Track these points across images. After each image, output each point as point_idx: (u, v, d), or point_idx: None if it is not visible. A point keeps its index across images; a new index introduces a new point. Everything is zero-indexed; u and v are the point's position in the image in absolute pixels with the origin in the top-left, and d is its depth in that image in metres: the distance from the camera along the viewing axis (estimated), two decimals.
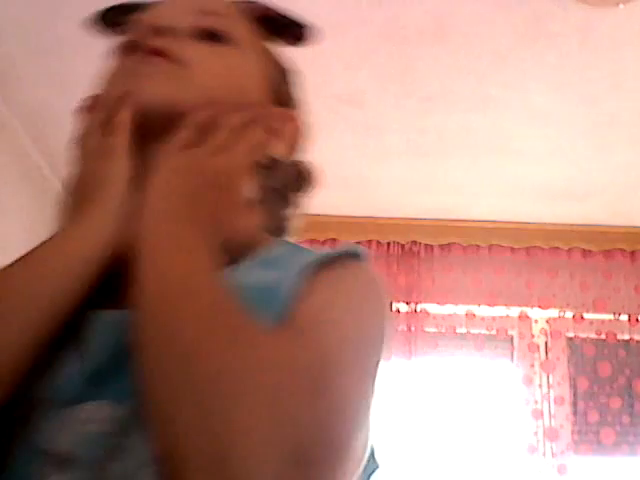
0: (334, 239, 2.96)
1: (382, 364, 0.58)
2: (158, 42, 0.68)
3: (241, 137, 0.65)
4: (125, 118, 0.66)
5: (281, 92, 0.79)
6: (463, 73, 2.12)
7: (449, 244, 2.97)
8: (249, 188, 0.68)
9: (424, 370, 2.82)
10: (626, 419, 2.78)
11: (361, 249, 0.66)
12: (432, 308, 2.91)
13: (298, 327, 0.53)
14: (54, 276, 0.58)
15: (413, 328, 2.87)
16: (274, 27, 0.80)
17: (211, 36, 0.71)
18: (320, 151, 3.03)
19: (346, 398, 0.50)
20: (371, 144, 2.50)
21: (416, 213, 2.95)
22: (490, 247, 2.97)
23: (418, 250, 2.98)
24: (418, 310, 2.90)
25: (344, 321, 0.56)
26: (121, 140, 0.66)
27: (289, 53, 0.82)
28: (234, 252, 0.64)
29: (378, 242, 2.99)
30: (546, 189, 2.73)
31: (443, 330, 2.89)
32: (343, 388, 0.50)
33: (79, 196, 0.66)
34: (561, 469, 2.69)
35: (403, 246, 2.99)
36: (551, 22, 1.91)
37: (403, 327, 2.88)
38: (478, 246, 2.97)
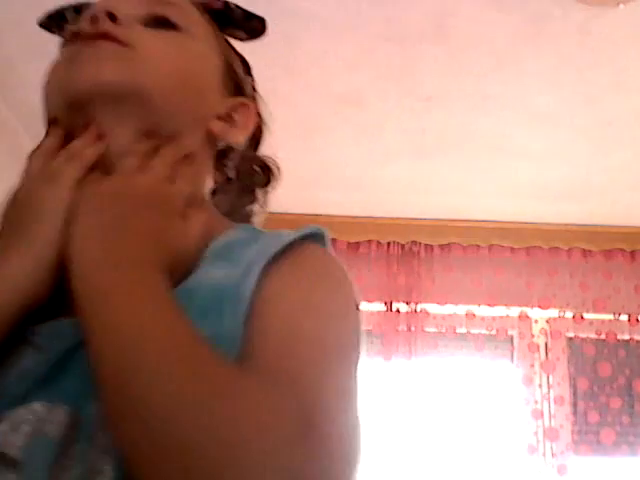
0: (334, 239, 2.95)
1: (361, 365, 0.58)
2: (103, 27, 0.65)
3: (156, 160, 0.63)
4: (92, 155, 0.63)
5: (238, 81, 0.77)
6: (463, 73, 2.12)
7: (449, 244, 2.97)
8: (196, 187, 0.67)
9: (424, 370, 2.82)
10: (626, 419, 2.78)
11: (321, 230, 0.65)
12: (432, 308, 2.91)
13: (276, 367, 0.51)
14: None
15: (413, 328, 2.87)
16: (228, 20, 0.78)
17: (164, 24, 0.69)
18: (320, 151, 3.04)
19: (342, 430, 0.50)
20: (371, 144, 2.50)
21: (416, 213, 2.95)
22: (490, 247, 2.97)
23: (418, 250, 2.98)
24: (418, 310, 2.90)
25: (320, 338, 0.55)
26: (76, 173, 0.62)
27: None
28: (190, 258, 0.61)
29: (378, 242, 2.98)
30: (546, 189, 2.73)
31: (443, 330, 2.89)
32: (334, 424, 0.50)
33: (14, 220, 0.61)
34: (561, 469, 2.69)
35: (403, 246, 2.98)
36: (551, 22, 1.90)
37: (403, 327, 2.88)
38: (478, 246, 2.97)
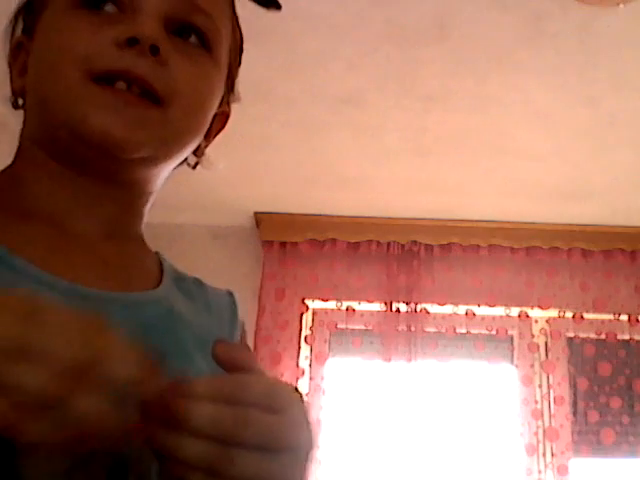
0: (334, 239, 2.96)
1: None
2: (142, 70, 0.60)
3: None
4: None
5: (232, 86, 0.74)
6: (463, 73, 2.12)
7: (449, 244, 2.97)
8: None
9: (424, 370, 2.81)
10: (626, 419, 2.78)
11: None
12: (432, 308, 2.91)
13: None
14: None
15: (413, 328, 2.87)
16: None
17: (197, 37, 0.65)
18: (320, 151, 3.03)
19: None
20: (371, 144, 2.50)
21: (416, 213, 2.95)
22: (490, 247, 2.97)
23: (418, 250, 2.97)
24: (418, 310, 2.90)
25: None
26: None
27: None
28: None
29: (378, 242, 2.98)
30: (546, 189, 2.73)
31: (443, 330, 2.89)
32: None
33: None
34: (561, 469, 2.69)
35: (403, 246, 2.98)
36: (551, 22, 1.90)
37: (403, 327, 2.88)
38: (478, 246, 2.97)
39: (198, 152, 0.72)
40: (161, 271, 0.69)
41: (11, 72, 0.70)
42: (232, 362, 0.49)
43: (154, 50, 0.60)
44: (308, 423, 0.50)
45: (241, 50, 0.76)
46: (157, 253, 0.73)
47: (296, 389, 0.53)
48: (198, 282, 0.75)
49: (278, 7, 0.75)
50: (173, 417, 0.45)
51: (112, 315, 0.54)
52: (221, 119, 0.73)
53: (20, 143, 0.69)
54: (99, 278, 0.61)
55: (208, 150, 0.74)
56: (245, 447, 0.45)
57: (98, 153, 0.61)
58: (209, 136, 0.72)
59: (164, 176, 0.68)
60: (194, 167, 0.74)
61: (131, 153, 0.61)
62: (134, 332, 0.50)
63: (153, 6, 0.63)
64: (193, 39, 0.65)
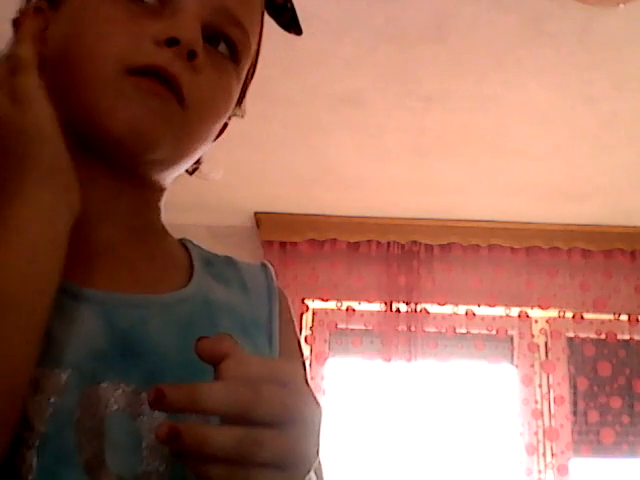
0: (334, 239, 2.96)
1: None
2: (177, 71, 0.60)
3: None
4: (27, 53, 0.55)
5: (239, 99, 0.73)
6: (463, 73, 2.12)
7: (449, 244, 2.97)
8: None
9: (424, 370, 2.82)
10: (626, 419, 2.78)
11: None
12: (432, 308, 2.91)
13: None
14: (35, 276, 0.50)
15: (413, 328, 2.87)
16: (271, 9, 0.73)
17: (229, 48, 0.65)
18: (320, 151, 3.03)
19: None
20: (371, 144, 2.50)
21: (416, 213, 2.95)
22: (490, 247, 2.97)
23: (418, 250, 2.98)
24: (418, 310, 2.90)
25: None
26: (31, 79, 0.54)
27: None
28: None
29: (378, 242, 2.99)
30: (546, 189, 2.73)
31: (443, 330, 2.89)
32: None
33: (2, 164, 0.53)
34: (561, 469, 2.69)
35: (403, 246, 2.98)
36: (551, 22, 1.90)
37: (403, 327, 2.88)
38: (478, 246, 2.97)
39: (198, 159, 0.73)
40: (191, 260, 0.69)
41: None
42: (218, 355, 0.49)
43: (192, 55, 0.60)
44: (313, 394, 0.52)
45: (255, 66, 0.75)
46: (182, 240, 0.73)
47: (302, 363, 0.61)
48: (230, 261, 0.74)
49: (299, 32, 0.75)
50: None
51: (152, 319, 0.59)
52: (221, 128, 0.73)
53: None
54: (131, 284, 0.61)
55: (210, 153, 0.74)
56: (265, 425, 0.46)
57: (117, 148, 0.60)
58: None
59: (174, 176, 0.69)
60: (191, 173, 0.75)
61: (149, 148, 0.60)
62: (176, 333, 0.54)
63: (195, 9, 0.61)
64: (223, 48, 0.65)
